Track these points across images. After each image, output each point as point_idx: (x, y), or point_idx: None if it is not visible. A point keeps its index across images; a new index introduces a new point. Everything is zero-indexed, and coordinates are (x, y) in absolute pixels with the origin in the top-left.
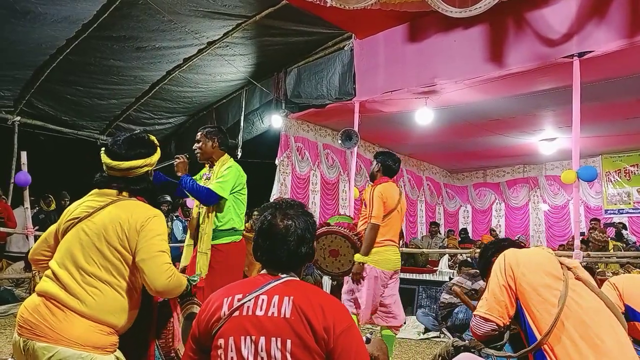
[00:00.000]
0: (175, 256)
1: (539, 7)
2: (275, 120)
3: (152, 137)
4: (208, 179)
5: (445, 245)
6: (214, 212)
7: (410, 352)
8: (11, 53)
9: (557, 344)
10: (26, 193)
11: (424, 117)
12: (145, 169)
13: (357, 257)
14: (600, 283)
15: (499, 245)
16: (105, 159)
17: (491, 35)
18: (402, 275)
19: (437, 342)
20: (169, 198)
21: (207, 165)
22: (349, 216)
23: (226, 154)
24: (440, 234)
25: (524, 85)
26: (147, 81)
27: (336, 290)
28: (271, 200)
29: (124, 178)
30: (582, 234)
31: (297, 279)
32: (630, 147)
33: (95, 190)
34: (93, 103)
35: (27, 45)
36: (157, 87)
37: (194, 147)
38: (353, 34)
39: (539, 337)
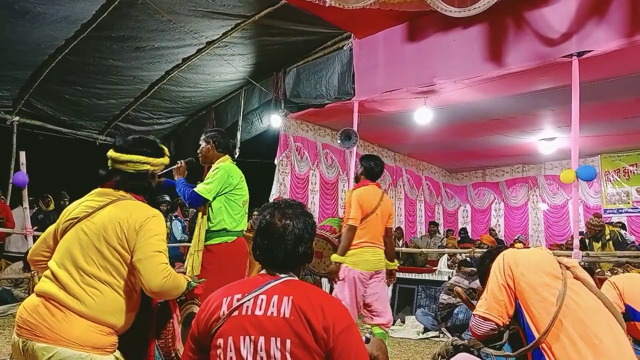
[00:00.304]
0: (175, 256)
1: (538, 6)
2: (274, 120)
3: (162, 146)
4: None
5: (445, 244)
6: (206, 214)
7: (409, 352)
8: (10, 53)
9: (555, 343)
10: (25, 193)
11: (423, 116)
12: (146, 167)
13: (334, 257)
14: (599, 283)
15: (496, 254)
16: (110, 152)
17: (490, 35)
18: (402, 275)
19: (436, 342)
20: (167, 198)
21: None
22: (340, 218)
23: (226, 156)
24: (439, 233)
25: (523, 85)
26: (146, 81)
27: None
28: (270, 200)
29: (124, 172)
30: (581, 233)
31: (297, 278)
32: (630, 147)
33: (95, 190)
34: (92, 103)
35: (26, 45)
36: (156, 87)
37: (197, 151)
38: (352, 34)
39: (537, 336)
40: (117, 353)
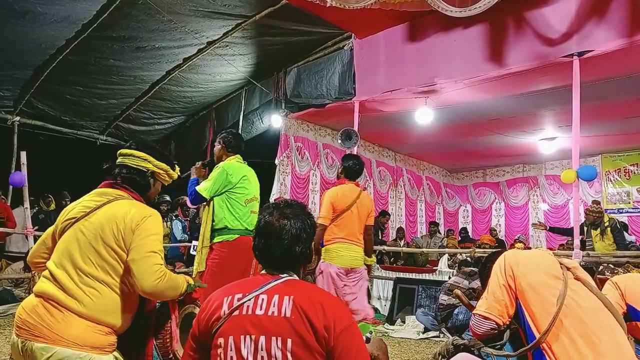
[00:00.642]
0: (175, 256)
1: (538, 6)
2: (275, 120)
3: (167, 155)
4: None
5: (445, 244)
6: (210, 212)
7: (409, 352)
8: (11, 53)
9: (555, 342)
10: (26, 193)
11: (423, 116)
12: (146, 164)
13: None
14: (600, 283)
15: (497, 256)
16: (119, 150)
17: (491, 35)
18: (402, 275)
19: (436, 342)
20: (168, 198)
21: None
22: None
23: (236, 156)
24: (439, 233)
25: (524, 85)
26: (147, 81)
27: None
28: (271, 200)
29: (125, 165)
30: (581, 230)
31: (297, 278)
32: (630, 147)
33: (93, 191)
34: (93, 103)
35: (26, 45)
36: (157, 87)
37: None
38: (353, 34)
39: (537, 335)
40: (117, 353)
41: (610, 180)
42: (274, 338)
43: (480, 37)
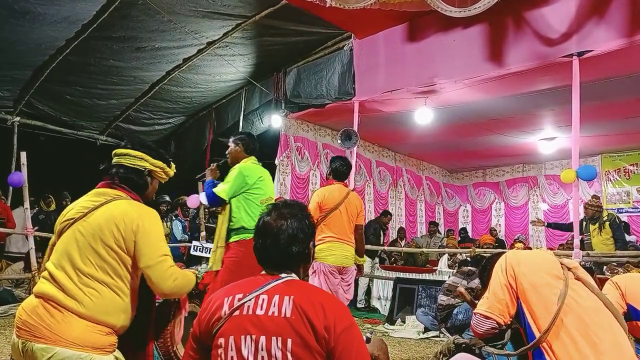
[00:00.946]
0: (175, 256)
1: (538, 6)
2: (274, 120)
3: (163, 153)
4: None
5: (445, 244)
6: (227, 213)
7: (410, 352)
8: (11, 53)
9: (555, 342)
10: (26, 193)
11: (423, 116)
12: (143, 163)
13: None
14: (600, 283)
15: (498, 257)
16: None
17: (490, 35)
18: (402, 275)
19: (436, 342)
20: (167, 198)
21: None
22: None
23: (252, 158)
24: (439, 233)
25: (524, 85)
26: (147, 81)
27: None
28: None
29: (122, 165)
30: (581, 226)
31: (298, 278)
32: (630, 146)
33: (91, 191)
34: (93, 103)
35: (26, 45)
36: (157, 88)
37: (226, 152)
38: (352, 34)
39: (538, 335)
40: (117, 353)
41: (610, 180)
42: (274, 338)
43: (480, 37)
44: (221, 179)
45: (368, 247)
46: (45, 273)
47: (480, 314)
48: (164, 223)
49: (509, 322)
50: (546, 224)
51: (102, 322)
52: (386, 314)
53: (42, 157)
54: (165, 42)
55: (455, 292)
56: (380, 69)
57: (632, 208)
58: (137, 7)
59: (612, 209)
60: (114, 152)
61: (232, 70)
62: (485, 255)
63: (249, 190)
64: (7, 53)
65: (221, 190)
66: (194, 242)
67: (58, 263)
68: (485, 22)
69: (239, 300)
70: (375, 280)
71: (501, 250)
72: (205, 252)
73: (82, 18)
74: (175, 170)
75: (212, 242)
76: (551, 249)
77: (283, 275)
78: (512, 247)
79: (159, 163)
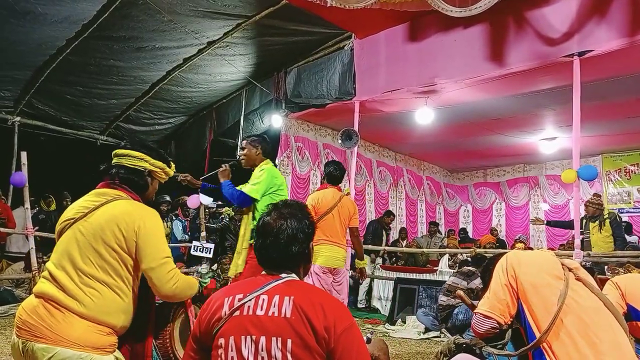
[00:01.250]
0: (175, 256)
1: (539, 6)
2: (275, 120)
3: (163, 153)
4: None
5: (445, 245)
6: (251, 214)
7: (410, 352)
8: (11, 53)
9: (555, 342)
10: (26, 193)
11: (424, 116)
12: (143, 164)
13: None
14: (601, 282)
15: (498, 258)
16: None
17: (491, 35)
18: (403, 275)
19: (437, 342)
20: (168, 198)
21: None
22: None
23: (268, 159)
24: (439, 233)
25: (524, 85)
26: (147, 81)
27: None
28: None
29: (122, 165)
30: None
31: (298, 279)
32: (631, 147)
33: (92, 191)
34: (93, 103)
35: (27, 45)
36: (157, 87)
37: (238, 154)
38: (353, 34)
39: (538, 335)
40: (117, 353)
41: (611, 180)
42: (274, 338)
43: (481, 37)
44: (233, 180)
45: (368, 247)
46: (45, 273)
47: (481, 314)
48: (165, 223)
49: (509, 322)
50: (546, 222)
51: (102, 323)
52: (387, 314)
53: (43, 157)
54: (165, 42)
55: (455, 293)
56: (381, 69)
57: (633, 208)
58: (138, 7)
59: (613, 209)
60: (114, 152)
61: (233, 70)
62: (486, 255)
63: (276, 191)
64: (8, 53)
65: (253, 190)
66: (194, 242)
67: (58, 263)
68: (486, 21)
69: (239, 300)
70: (375, 280)
71: (502, 250)
72: (206, 252)
73: (82, 18)
74: (175, 171)
75: (212, 242)
76: (552, 249)
77: (283, 275)
78: (513, 247)
79: (159, 163)
